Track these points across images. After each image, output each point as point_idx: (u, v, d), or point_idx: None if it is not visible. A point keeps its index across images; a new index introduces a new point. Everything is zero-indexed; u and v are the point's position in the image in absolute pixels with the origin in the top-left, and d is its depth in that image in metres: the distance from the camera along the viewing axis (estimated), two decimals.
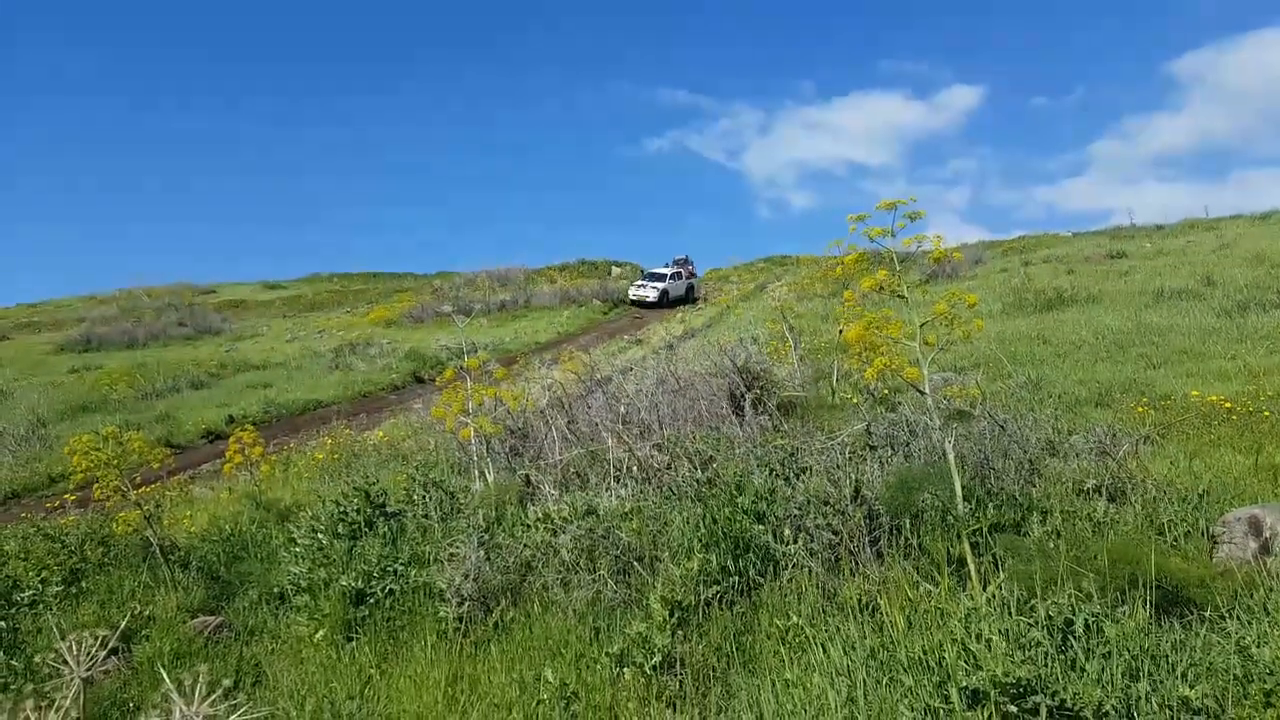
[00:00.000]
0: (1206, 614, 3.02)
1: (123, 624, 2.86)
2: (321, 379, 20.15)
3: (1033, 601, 2.86)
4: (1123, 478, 4.62)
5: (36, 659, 2.33)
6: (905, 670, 2.79)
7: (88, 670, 1.95)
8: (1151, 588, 3.09)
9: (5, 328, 35.40)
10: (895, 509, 4.08)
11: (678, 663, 3.26)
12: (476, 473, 5.73)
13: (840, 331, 7.56)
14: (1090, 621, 2.70)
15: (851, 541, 3.97)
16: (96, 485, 5.33)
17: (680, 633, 3.39)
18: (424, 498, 5.45)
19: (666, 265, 36.51)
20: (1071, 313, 14.02)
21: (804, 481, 4.40)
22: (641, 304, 33.22)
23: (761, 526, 4.00)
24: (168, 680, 1.63)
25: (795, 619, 3.37)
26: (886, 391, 6.96)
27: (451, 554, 4.30)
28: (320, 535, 4.99)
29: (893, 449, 4.95)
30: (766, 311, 19.53)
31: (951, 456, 3.57)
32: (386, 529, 5.02)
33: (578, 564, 4.16)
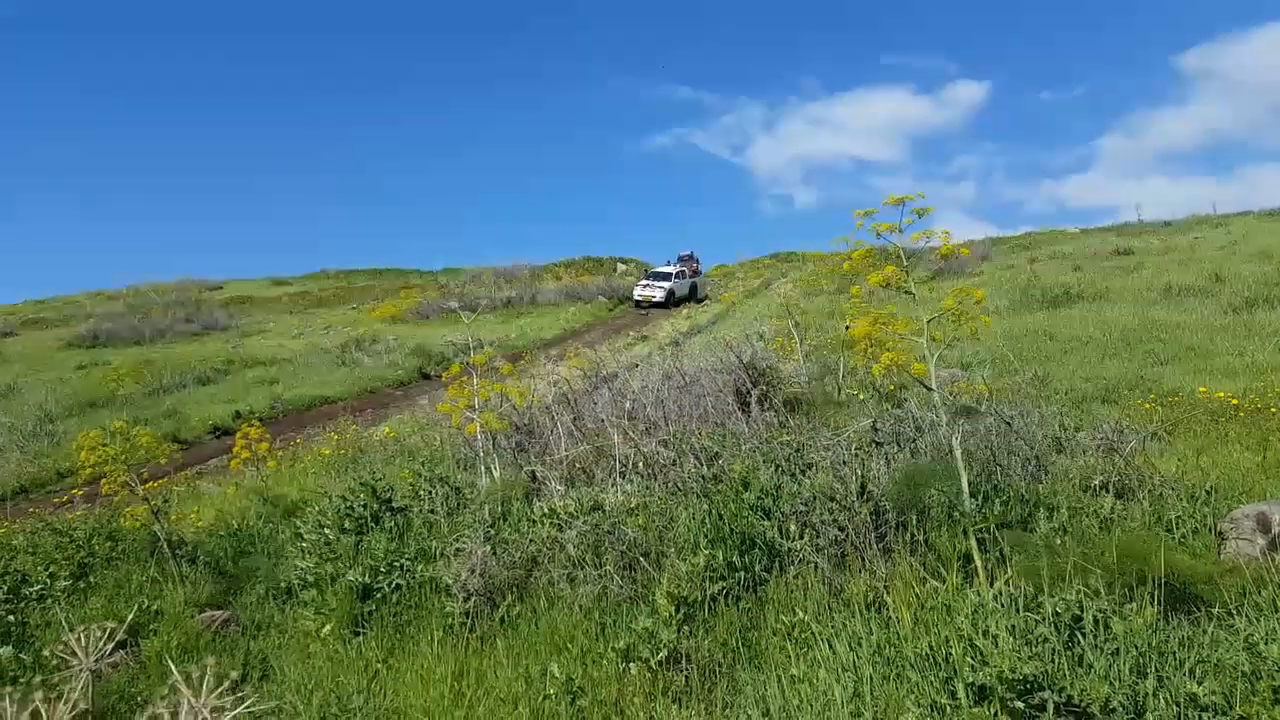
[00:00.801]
0: (1214, 610, 3.01)
1: (130, 617, 2.87)
2: (328, 375, 20.21)
3: (1040, 598, 2.86)
4: (1130, 474, 4.61)
5: (45, 652, 2.34)
6: (911, 666, 2.78)
7: (96, 662, 1.96)
8: (1159, 584, 3.08)
9: (13, 324, 35.57)
10: (901, 505, 4.07)
11: (684, 658, 3.27)
12: (482, 468, 5.74)
13: (847, 327, 7.54)
14: (1098, 618, 2.69)
15: (858, 538, 3.96)
16: (104, 480, 5.35)
17: (686, 628, 3.39)
18: (430, 493, 5.47)
19: (669, 263, 35.82)
20: (1078, 309, 13.98)
21: (810, 478, 4.39)
22: (647, 304, 31.45)
23: (768, 522, 4.00)
24: (176, 672, 1.63)
25: (801, 615, 3.36)
26: (893, 388, 6.95)
27: (458, 549, 4.31)
28: (327, 530, 5.01)
29: (899, 445, 4.94)
30: (772, 308, 19.51)
31: (958, 453, 3.56)
32: (393, 524, 5.04)
33: (583, 559, 4.16)
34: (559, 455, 5.87)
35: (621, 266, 45.55)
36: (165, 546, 5.36)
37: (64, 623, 3.58)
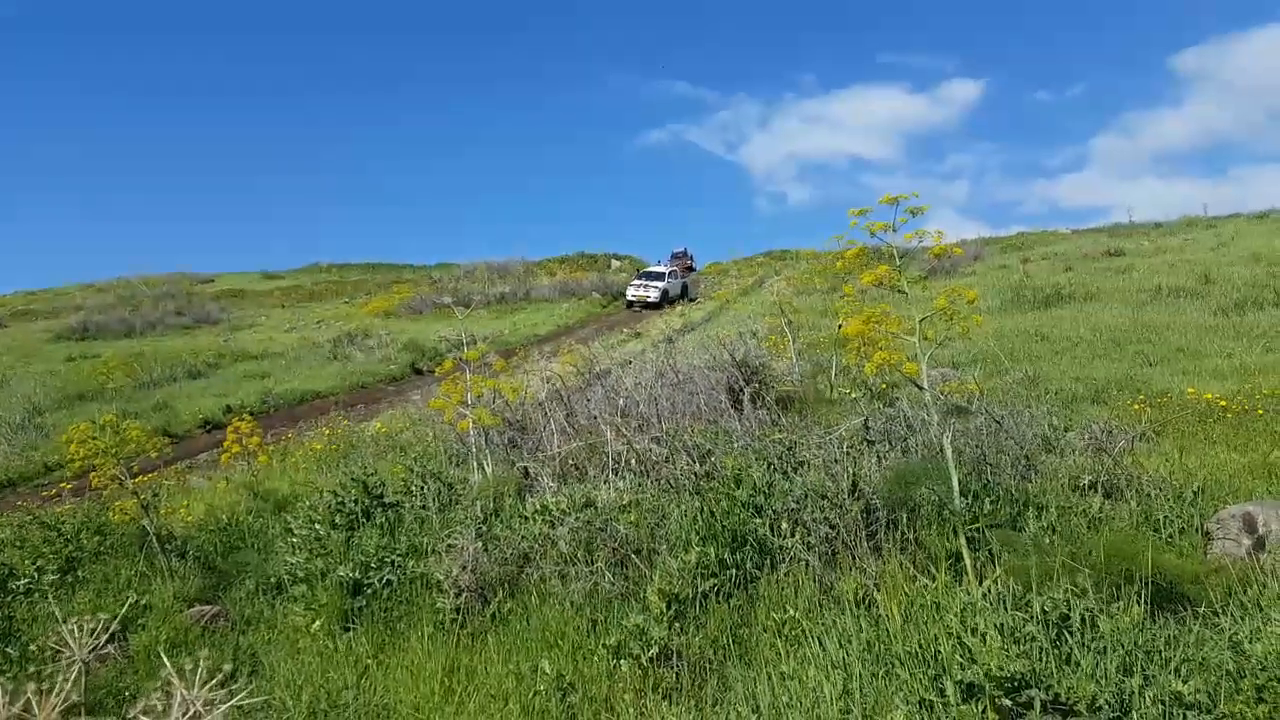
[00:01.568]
0: (1200, 610, 3.04)
1: (122, 611, 2.86)
2: (319, 369, 20.12)
3: (1028, 596, 2.88)
4: (1118, 474, 4.64)
5: (35, 644, 2.32)
6: (901, 664, 2.80)
7: (88, 653, 1.96)
8: (1146, 583, 3.11)
9: (3, 315, 35.30)
10: (892, 503, 4.09)
11: (675, 655, 3.28)
12: (475, 464, 5.73)
13: (839, 326, 7.56)
14: (1085, 616, 2.72)
15: (848, 535, 3.98)
16: (93, 474, 5.32)
17: (677, 625, 3.40)
18: (422, 489, 5.46)
19: (659, 262, 35.58)
20: (1069, 310, 14.05)
21: (802, 475, 4.41)
22: (641, 304, 30.81)
23: (759, 520, 4.01)
24: (169, 664, 1.63)
25: (792, 612, 3.38)
26: (885, 386, 6.97)
27: (449, 545, 4.30)
28: (317, 525, 5.00)
29: (890, 444, 4.96)
30: (766, 306, 19.53)
31: (949, 452, 3.58)
32: (384, 520, 5.03)
33: (575, 556, 4.17)
34: (552, 451, 5.87)
35: (616, 263, 45.53)
36: (154, 541, 5.34)
37: (55, 615, 3.56)
